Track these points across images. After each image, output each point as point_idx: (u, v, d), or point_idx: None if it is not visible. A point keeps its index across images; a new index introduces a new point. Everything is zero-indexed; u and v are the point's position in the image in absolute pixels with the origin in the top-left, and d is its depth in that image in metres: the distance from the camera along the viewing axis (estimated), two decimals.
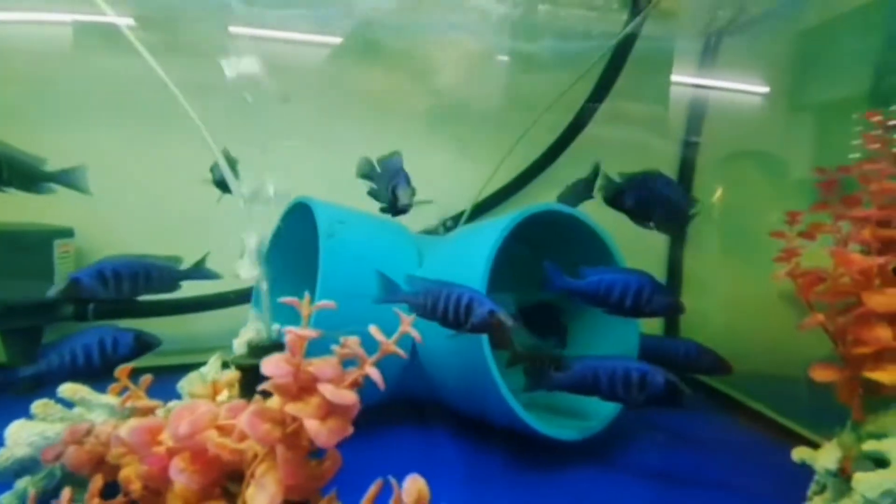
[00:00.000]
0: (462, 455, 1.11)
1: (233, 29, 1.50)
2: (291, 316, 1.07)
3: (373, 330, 0.53)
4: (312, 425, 0.46)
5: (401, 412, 1.22)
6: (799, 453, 0.84)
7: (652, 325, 1.79)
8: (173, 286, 0.92)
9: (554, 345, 1.26)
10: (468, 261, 1.07)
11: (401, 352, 0.54)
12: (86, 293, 0.83)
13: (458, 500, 0.95)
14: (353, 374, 0.52)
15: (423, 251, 1.25)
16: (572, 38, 1.62)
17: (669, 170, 1.73)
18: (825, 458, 0.77)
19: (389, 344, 0.53)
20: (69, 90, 1.42)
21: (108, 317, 1.32)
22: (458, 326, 0.89)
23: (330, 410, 0.48)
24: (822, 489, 0.83)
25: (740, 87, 1.67)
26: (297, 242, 1.22)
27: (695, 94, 1.74)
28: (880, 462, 0.77)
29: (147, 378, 0.74)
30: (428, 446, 1.13)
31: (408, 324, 0.54)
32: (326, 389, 0.46)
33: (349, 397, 0.47)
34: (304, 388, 0.48)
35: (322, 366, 0.48)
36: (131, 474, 0.59)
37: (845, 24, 1.26)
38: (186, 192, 1.31)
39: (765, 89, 1.56)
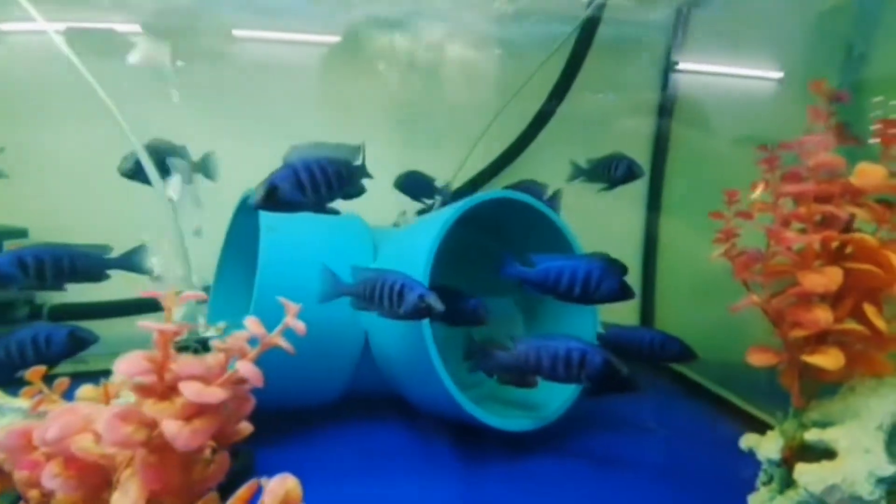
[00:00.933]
0: (418, 448, 1.08)
1: (236, 32, 1.50)
2: (242, 312, 1.05)
3: (250, 322, 0.49)
4: (170, 427, 0.42)
5: (355, 409, 1.18)
6: (747, 441, 0.80)
7: (629, 315, 1.76)
8: (100, 275, 0.89)
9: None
10: (414, 251, 1.03)
11: (285, 344, 0.50)
12: (4, 279, 0.79)
13: (418, 493, 0.92)
14: (235, 370, 0.48)
15: (380, 244, 1.22)
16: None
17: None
18: (767, 446, 0.72)
19: (271, 338, 0.49)
20: (30, 91, 1.39)
21: (65, 318, 1.30)
22: (392, 314, 0.86)
23: (198, 411, 0.44)
24: (770, 479, 0.78)
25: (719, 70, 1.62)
26: (250, 237, 1.18)
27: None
28: (827, 452, 0.72)
29: (63, 381, 0.70)
30: (381, 441, 1.10)
31: (293, 314, 0.50)
32: (187, 388, 0.43)
33: (215, 395, 0.44)
34: (171, 387, 0.45)
35: (187, 363, 0.44)
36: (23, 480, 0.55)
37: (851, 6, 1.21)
38: (146, 193, 1.29)
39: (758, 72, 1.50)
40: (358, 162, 0.75)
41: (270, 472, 0.90)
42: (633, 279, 1.73)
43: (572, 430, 1.13)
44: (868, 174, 0.68)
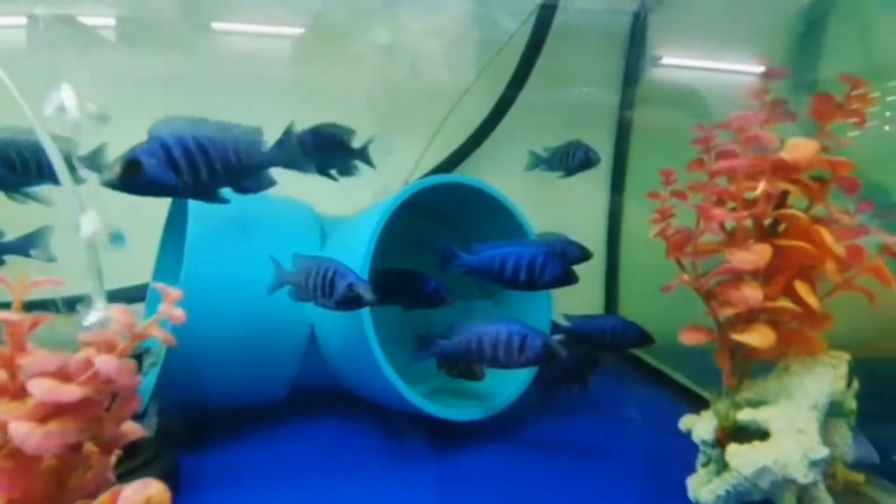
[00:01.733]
0: (368, 445, 1.04)
1: (215, 25, 1.44)
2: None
3: (117, 311, 0.45)
4: (18, 429, 0.38)
5: (302, 406, 1.14)
6: (685, 422, 0.78)
7: (594, 301, 1.74)
8: None
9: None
10: (357, 239, 0.98)
11: (162, 334, 0.46)
12: None
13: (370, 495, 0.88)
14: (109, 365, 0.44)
15: (329, 232, 1.17)
16: None
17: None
18: (701, 427, 0.70)
19: (143, 330, 0.45)
20: None
21: None
22: (326, 304, 0.82)
23: (54, 411, 0.40)
24: (709, 460, 0.76)
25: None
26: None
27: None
28: (762, 433, 0.71)
29: None
30: (328, 439, 1.05)
31: (170, 303, 0.46)
32: (36, 385, 0.38)
33: (69, 394, 0.39)
34: (25, 385, 0.40)
35: (39, 358, 0.40)
36: None
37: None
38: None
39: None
40: (264, 148, 0.62)
41: (198, 479, 0.85)
42: (597, 265, 1.72)
43: (525, 419, 1.11)
44: (799, 149, 0.66)
